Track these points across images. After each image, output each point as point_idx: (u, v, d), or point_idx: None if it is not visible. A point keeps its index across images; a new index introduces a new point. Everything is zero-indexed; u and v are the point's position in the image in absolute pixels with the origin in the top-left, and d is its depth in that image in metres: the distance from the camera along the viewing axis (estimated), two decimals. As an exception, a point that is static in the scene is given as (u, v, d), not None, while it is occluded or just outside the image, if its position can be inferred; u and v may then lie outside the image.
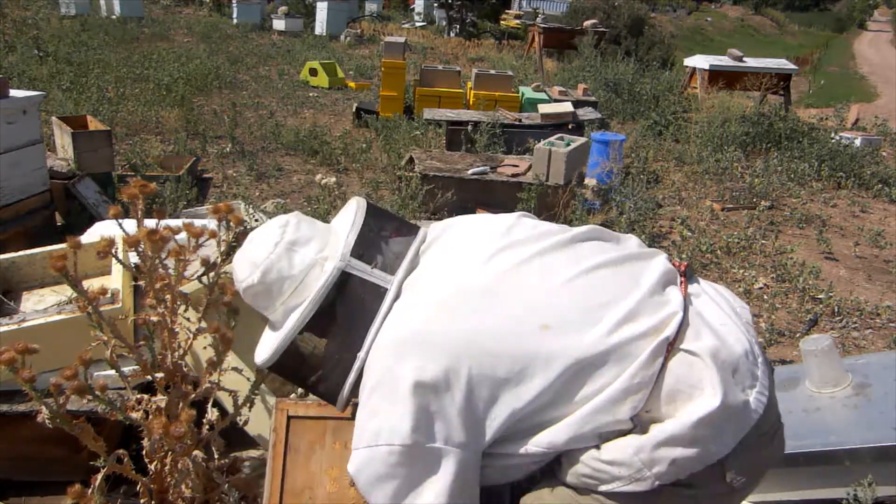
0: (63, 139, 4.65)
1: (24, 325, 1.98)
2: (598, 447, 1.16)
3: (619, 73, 10.13)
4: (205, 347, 1.68)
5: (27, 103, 3.73)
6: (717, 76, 9.51)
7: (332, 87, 10.17)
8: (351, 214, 1.35)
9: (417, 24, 19.93)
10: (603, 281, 1.21)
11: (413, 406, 1.13)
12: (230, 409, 1.67)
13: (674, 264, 1.31)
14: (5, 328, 1.96)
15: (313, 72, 10.40)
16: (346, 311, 1.28)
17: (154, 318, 1.58)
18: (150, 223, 1.54)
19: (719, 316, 1.21)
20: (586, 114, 8.01)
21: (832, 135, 8.05)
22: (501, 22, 21.69)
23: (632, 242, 1.37)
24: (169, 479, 1.56)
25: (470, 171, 4.63)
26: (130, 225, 1.58)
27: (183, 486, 1.55)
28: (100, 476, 1.42)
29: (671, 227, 5.17)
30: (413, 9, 21.95)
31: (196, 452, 1.56)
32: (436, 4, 19.97)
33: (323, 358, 1.34)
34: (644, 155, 6.88)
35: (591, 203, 5.06)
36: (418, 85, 8.41)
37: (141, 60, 10.03)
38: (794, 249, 4.80)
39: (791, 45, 32.50)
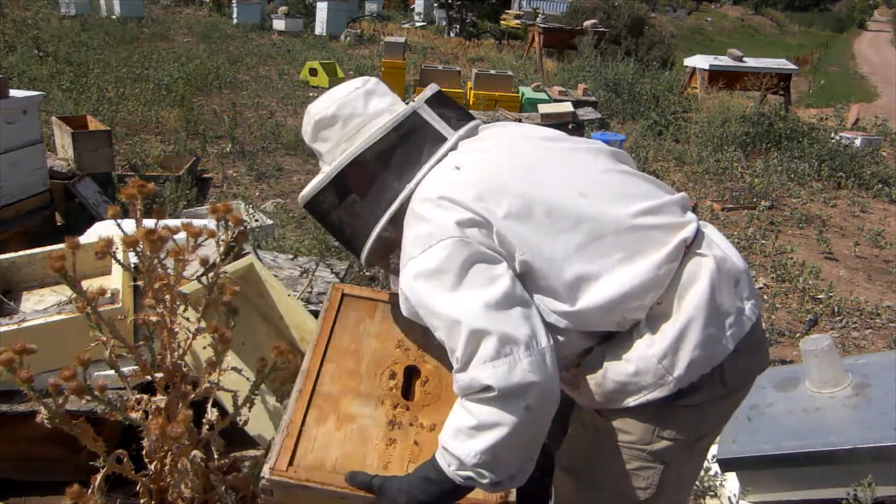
0: (63, 139, 4.65)
1: (24, 325, 1.98)
2: (622, 348, 1.25)
3: (619, 73, 10.13)
4: (204, 347, 1.67)
5: (27, 103, 3.73)
6: (717, 76, 9.52)
7: (333, 87, 10.15)
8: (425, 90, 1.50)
9: (417, 24, 19.92)
10: (634, 181, 1.36)
11: (458, 214, 1.23)
12: (230, 409, 1.67)
13: None
14: (5, 328, 1.96)
15: (313, 72, 10.40)
16: (403, 151, 1.38)
17: (153, 318, 1.57)
18: (149, 223, 1.54)
19: (724, 240, 1.36)
20: (586, 114, 8.02)
21: (832, 135, 8.05)
22: (501, 22, 21.69)
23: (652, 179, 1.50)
24: (168, 479, 1.56)
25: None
26: (130, 225, 1.58)
27: (182, 486, 1.54)
28: (99, 476, 1.42)
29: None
30: (413, 9, 21.95)
31: (195, 452, 1.56)
32: (436, 4, 19.97)
33: (370, 192, 1.39)
34: (644, 155, 6.88)
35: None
36: (418, 85, 8.42)
37: (141, 60, 10.03)
38: (794, 249, 4.80)
39: (791, 45, 32.49)
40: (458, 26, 18.84)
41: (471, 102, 8.06)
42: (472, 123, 1.45)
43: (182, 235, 1.57)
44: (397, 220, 1.35)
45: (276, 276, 2.71)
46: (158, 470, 1.56)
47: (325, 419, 1.41)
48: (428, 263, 1.21)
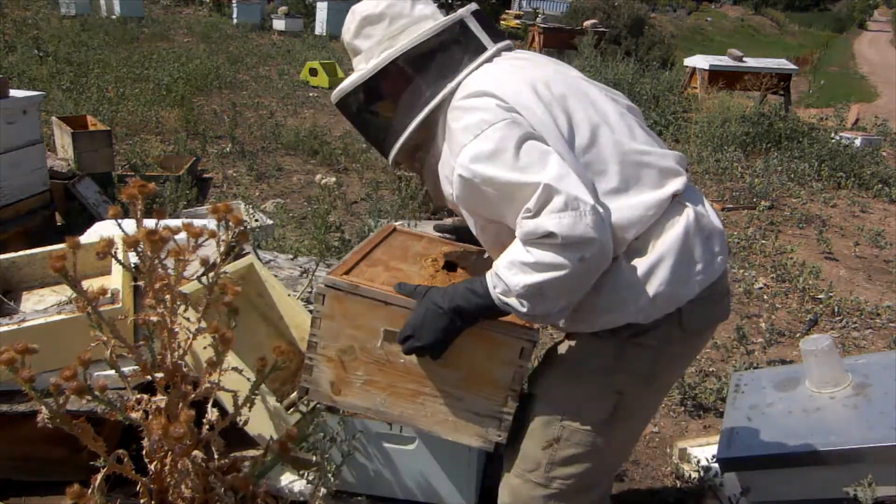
0: (63, 139, 4.65)
1: (24, 325, 1.98)
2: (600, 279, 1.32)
3: (619, 73, 10.13)
4: (205, 347, 1.67)
5: (27, 103, 3.73)
6: (717, 76, 9.51)
7: (333, 87, 10.02)
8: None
9: (417, 24, 19.91)
10: (642, 132, 1.45)
11: (502, 103, 1.31)
12: (230, 409, 1.67)
13: None
14: (5, 328, 1.96)
15: (313, 72, 10.40)
16: (445, 56, 1.43)
17: (154, 318, 1.58)
18: (150, 223, 1.54)
19: (706, 203, 1.46)
20: (586, 114, 8.01)
21: (832, 135, 8.05)
22: (501, 22, 21.67)
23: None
24: (169, 480, 1.56)
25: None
26: (130, 225, 1.58)
27: (183, 487, 1.55)
28: (100, 476, 1.42)
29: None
30: (413, 8, 21.92)
31: (196, 452, 1.56)
32: (436, 5, 19.95)
33: (408, 91, 1.43)
34: (644, 155, 6.87)
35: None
36: (418, 85, 8.42)
37: (141, 60, 10.03)
38: (794, 249, 4.80)
39: (791, 45, 32.47)
40: (458, 26, 18.81)
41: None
42: (508, 41, 1.52)
43: (182, 235, 1.57)
44: (429, 123, 1.42)
45: (276, 276, 2.72)
46: (158, 470, 1.56)
47: (375, 266, 1.62)
48: (484, 146, 1.28)
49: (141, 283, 1.58)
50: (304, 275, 3.09)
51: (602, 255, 1.24)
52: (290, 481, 1.99)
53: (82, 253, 1.61)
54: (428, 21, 1.48)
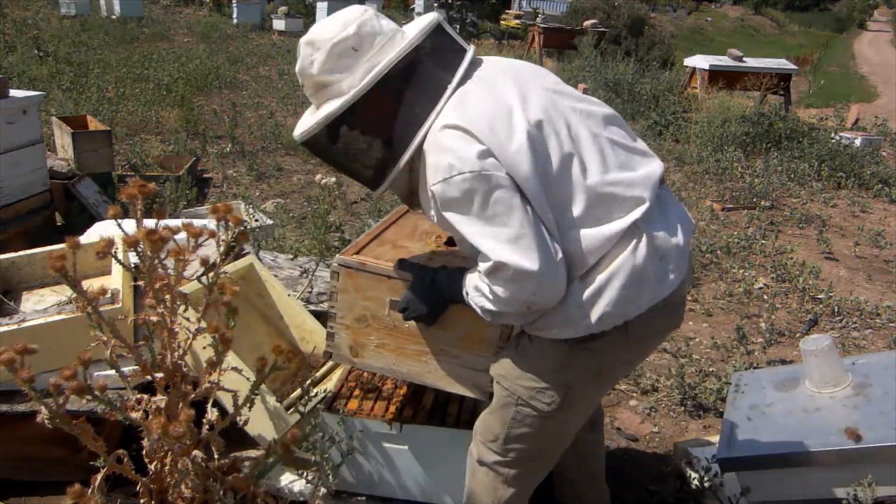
0: (63, 139, 4.65)
1: (24, 325, 1.98)
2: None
3: (619, 73, 10.13)
4: (204, 347, 1.67)
5: (27, 103, 3.73)
6: (717, 76, 9.51)
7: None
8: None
9: (417, 24, 19.90)
10: (615, 151, 1.48)
11: (476, 146, 1.33)
12: (230, 409, 1.67)
13: None
14: (5, 328, 1.96)
15: (313, 72, 10.38)
16: (429, 69, 1.40)
17: (154, 318, 1.58)
18: (150, 223, 1.54)
19: (673, 215, 1.52)
20: (586, 114, 8.01)
21: (832, 135, 8.05)
22: (501, 22, 21.68)
23: (642, 142, 1.61)
24: (169, 479, 1.56)
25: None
26: (130, 225, 1.58)
27: (183, 486, 1.55)
28: (100, 476, 1.42)
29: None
30: (413, 9, 21.94)
31: (196, 452, 1.56)
32: (436, 4, 19.97)
33: (403, 108, 1.40)
34: (644, 155, 6.87)
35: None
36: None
37: (141, 60, 10.03)
38: (794, 249, 4.80)
39: (791, 45, 32.46)
40: (458, 26, 18.83)
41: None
42: (473, 46, 1.52)
43: (182, 235, 1.57)
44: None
45: (276, 276, 2.72)
46: (158, 470, 1.56)
47: (384, 245, 1.83)
48: (451, 192, 1.34)
49: (141, 283, 1.58)
50: (304, 275, 3.09)
51: (550, 301, 1.40)
52: (290, 481, 1.99)
53: (82, 253, 1.61)
54: (397, 35, 1.44)
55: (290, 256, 3.30)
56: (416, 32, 1.42)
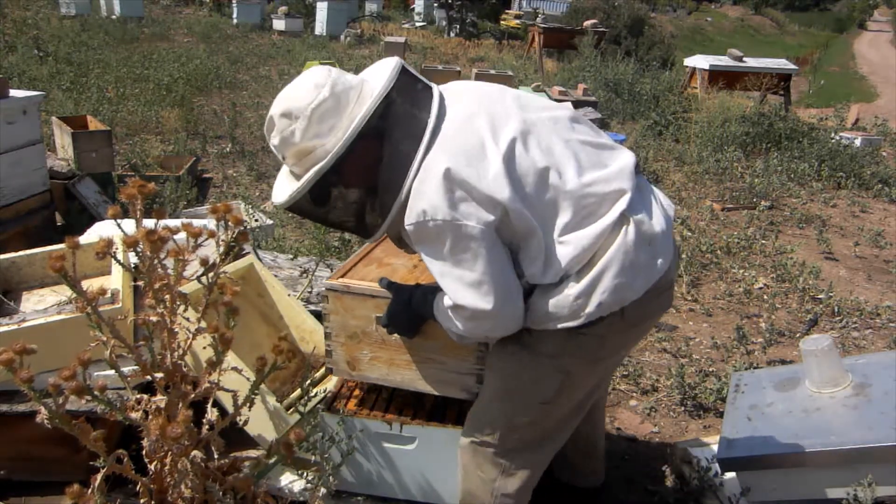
0: (63, 139, 4.65)
1: (24, 325, 1.98)
2: (552, 290, 1.49)
3: (619, 73, 10.12)
4: (204, 347, 1.67)
5: (27, 103, 3.73)
6: (717, 76, 9.51)
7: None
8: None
9: (417, 25, 19.91)
10: (586, 150, 1.54)
11: (449, 195, 1.39)
12: (230, 409, 1.67)
13: None
14: (5, 328, 1.96)
15: (313, 72, 10.38)
16: (406, 109, 1.45)
17: (153, 318, 1.58)
18: (150, 223, 1.54)
19: (655, 200, 1.59)
20: (586, 114, 8.01)
21: (832, 135, 8.04)
22: (501, 22, 21.67)
23: (606, 136, 1.67)
24: (168, 479, 1.56)
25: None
26: (130, 225, 1.58)
27: (182, 486, 1.54)
28: (100, 476, 1.42)
29: (671, 227, 5.17)
30: (413, 9, 21.93)
31: (195, 452, 1.56)
32: (436, 4, 19.95)
33: (388, 155, 1.43)
34: (644, 155, 6.88)
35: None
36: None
37: (141, 60, 10.03)
38: (794, 249, 4.80)
39: (791, 45, 32.46)
40: (458, 26, 18.82)
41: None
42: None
43: (182, 235, 1.57)
44: None
45: (276, 276, 2.72)
46: (158, 470, 1.56)
47: (370, 265, 1.97)
48: (422, 235, 1.42)
49: (140, 283, 1.58)
50: (304, 275, 3.09)
51: (506, 334, 1.54)
52: (290, 481, 1.99)
53: (82, 253, 1.61)
54: (364, 85, 1.46)
55: (290, 256, 3.30)
56: (386, 78, 1.44)
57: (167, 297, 1.57)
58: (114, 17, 14.21)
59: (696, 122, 7.92)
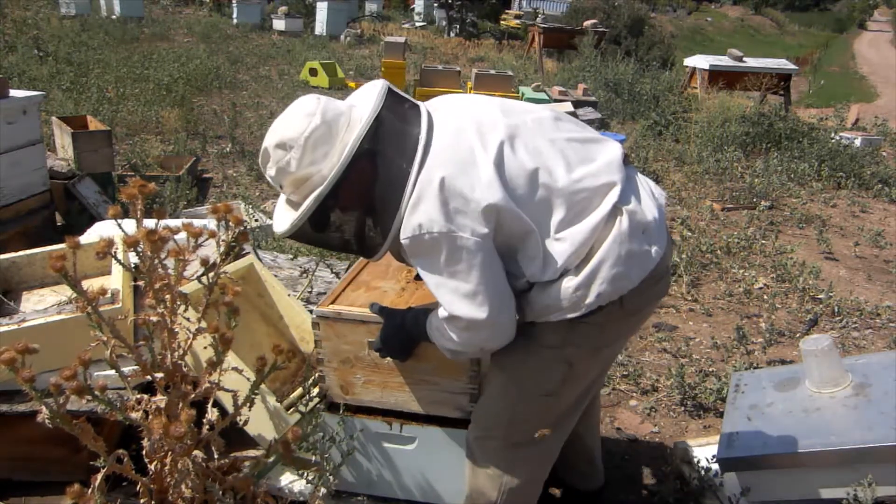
0: (63, 139, 4.65)
1: (24, 325, 1.98)
2: (552, 284, 1.52)
3: (619, 73, 10.12)
4: (205, 347, 1.68)
5: (27, 103, 3.73)
6: (717, 76, 9.52)
7: (333, 87, 10.18)
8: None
9: (417, 25, 19.92)
10: (573, 147, 1.56)
11: (443, 206, 1.41)
12: (230, 409, 1.67)
13: None
14: (5, 328, 1.96)
15: (313, 72, 10.40)
16: (396, 126, 1.47)
17: (154, 318, 1.58)
18: (150, 223, 1.54)
19: (645, 188, 1.63)
20: (586, 114, 8.02)
21: (832, 135, 8.05)
22: (501, 22, 21.69)
23: (591, 130, 1.70)
24: (169, 479, 1.56)
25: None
26: (130, 225, 1.58)
27: (183, 486, 1.55)
28: (100, 476, 1.42)
29: (671, 227, 5.17)
30: (413, 9, 21.94)
31: (196, 452, 1.56)
32: (436, 4, 19.96)
33: (382, 175, 1.45)
34: (644, 155, 6.88)
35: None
36: (418, 85, 8.42)
37: (141, 60, 10.03)
38: (794, 249, 4.80)
39: (791, 45, 32.48)
40: (458, 26, 18.83)
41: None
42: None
43: (182, 235, 1.57)
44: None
45: (276, 276, 2.72)
46: (158, 470, 1.56)
47: (358, 289, 1.98)
48: (418, 247, 1.44)
49: (141, 283, 1.58)
50: (304, 275, 3.09)
51: (501, 344, 1.55)
52: (290, 481, 1.99)
53: (82, 253, 1.61)
54: (353, 110, 1.49)
55: (290, 256, 3.30)
56: (374, 100, 1.46)
57: (167, 297, 1.57)
58: (114, 17, 14.22)
59: (696, 122, 7.92)
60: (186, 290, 1.81)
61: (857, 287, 4.37)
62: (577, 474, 2.13)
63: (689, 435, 2.74)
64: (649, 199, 1.60)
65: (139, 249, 1.53)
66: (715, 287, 4.24)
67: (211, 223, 1.74)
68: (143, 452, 1.57)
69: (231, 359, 1.81)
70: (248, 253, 2.91)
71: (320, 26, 15.68)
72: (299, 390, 2.26)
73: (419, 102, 1.57)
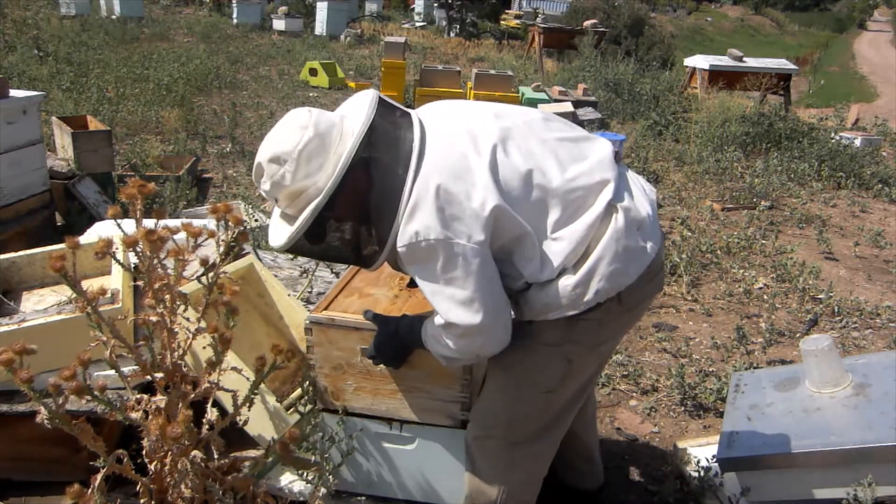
0: (63, 139, 4.65)
1: (24, 325, 1.98)
2: (550, 283, 1.53)
3: (619, 73, 10.12)
4: (204, 347, 1.68)
5: (27, 103, 3.73)
6: (717, 76, 9.52)
7: (333, 87, 10.18)
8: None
9: (417, 25, 19.92)
10: (565, 147, 1.58)
11: (439, 213, 1.41)
12: (230, 409, 1.67)
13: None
14: (5, 328, 1.96)
15: (313, 72, 10.40)
16: (390, 133, 1.47)
17: (153, 318, 1.58)
18: (149, 223, 1.54)
19: (637, 185, 1.65)
20: (586, 114, 8.02)
21: (832, 135, 8.04)
22: (501, 22, 21.69)
23: (580, 128, 1.72)
24: (169, 480, 1.56)
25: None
26: (130, 225, 1.58)
27: (182, 486, 1.55)
28: (100, 476, 1.42)
29: (671, 227, 5.17)
30: (413, 9, 21.94)
31: (195, 452, 1.56)
32: (436, 4, 19.96)
33: (379, 183, 1.45)
34: (644, 155, 6.88)
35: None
36: (418, 85, 8.42)
37: (141, 60, 10.03)
38: (794, 249, 4.80)
39: (791, 45, 32.49)
40: (458, 26, 18.83)
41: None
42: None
43: (182, 235, 1.57)
44: None
45: (276, 276, 2.72)
46: (158, 470, 1.56)
47: (351, 296, 1.98)
48: (415, 255, 1.44)
49: (140, 283, 1.58)
50: (304, 275, 3.09)
51: (496, 350, 1.55)
52: (290, 481, 1.99)
53: (82, 253, 1.61)
54: (345, 120, 1.49)
55: (290, 256, 3.30)
56: (366, 110, 1.46)
57: (167, 297, 1.57)
58: (114, 17, 14.22)
59: (696, 122, 7.92)
60: (186, 290, 1.81)
61: (857, 287, 4.37)
62: (577, 473, 2.13)
63: (689, 435, 2.74)
64: (641, 195, 1.62)
65: (138, 249, 1.53)
66: (715, 287, 4.24)
67: (211, 223, 1.74)
68: (143, 452, 1.57)
69: (231, 359, 1.81)
70: (248, 253, 2.91)
71: (320, 26, 15.68)
72: (299, 390, 2.26)
73: (410, 110, 1.57)
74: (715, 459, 2.17)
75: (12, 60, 8.81)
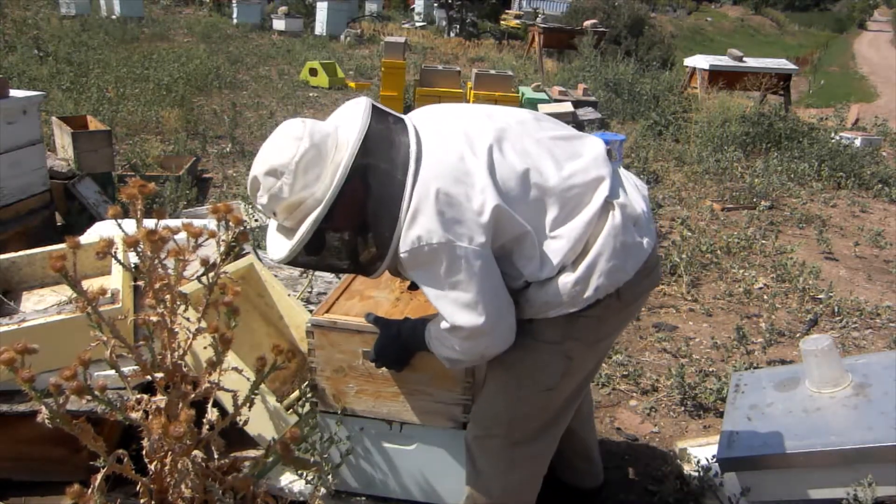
0: (63, 139, 4.65)
1: (24, 325, 1.98)
2: (550, 281, 1.53)
3: (619, 73, 10.12)
4: (205, 347, 1.68)
5: (27, 103, 3.73)
6: (717, 76, 9.51)
7: (333, 87, 10.18)
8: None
9: (417, 25, 19.92)
10: (559, 146, 1.59)
11: (440, 217, 1.41)
12: (230, 409, 1.67)
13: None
14: (5, 328, 1.96)
15: (313, 72, 10.40)
16: (386, 137, 1.47)
17: (153, 318, 1.58)
18: (150, 223, 1.54)
19: (631, 182, 1.67)
20: (586, 114, 8.02)
21: (832, 135, 8.04)
22: (501, 22, 21.68)
23: (571, 129, 1.72)
24: (169, 479, 1.56)
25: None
26: (130, 225, 1.58)
27: (183, 486, 1.55)
28: (100, 476, 1.42)
29: (671, 227, 5.17)
30: (413, 9, 21.94)
31: (196, 452, 1.56)
32: (436, 4, 19.95)
33: (378, 190, 1.44)
34: (644, 155, 6.88)
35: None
36: (418, 85, 8.41)
37: (141, 60, 10.02)
38: (794, 249, 4.80)
39: (791, 45, 32.49)
40: (458, 26, 18.82)
41: (471, 103, 8.05)
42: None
43: (182, 235, 1.57)
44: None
45: (276, 276, 2.72)
46: (158, 470, 1.56)
47: (352, 298, 1.99)
48: (417, 259, 1.44)
49: (141, 283, 1.58)
50: (304, 275, 3.09)
51: (500, 350, 1.56)
52: (290, 481, 1.99)
53: (82, 253, 1.61)
54: (339, 130, 1.48)
55: (290, 256, 3.29)
56: (362, 118, 1.45)
57: (167, 297, 1.57)
58: (114, 17, 14.22)
59: (696, 122, 7.92)
60: (186, 290, 1.81)
61: (857, 287, 4.37)
62: (576, 472, 2.14)
63: (689, 435, 2.74)
64: (635, 191, 1.63)
65: (139, 249, 1.53)
66: (715, 287, 4.24)
67: (211, 223, 1.74)
68: (143, 452, 1.57)
69: (231, 359, 1.81)
70: (248, 253, 2.91)
71: (320, 26, 15.68)
72: (298, 391, 2.26)
73: (403, 116, 1.57)
74: (715, 459, 2.17)
75: (12, 60, 8.81)
